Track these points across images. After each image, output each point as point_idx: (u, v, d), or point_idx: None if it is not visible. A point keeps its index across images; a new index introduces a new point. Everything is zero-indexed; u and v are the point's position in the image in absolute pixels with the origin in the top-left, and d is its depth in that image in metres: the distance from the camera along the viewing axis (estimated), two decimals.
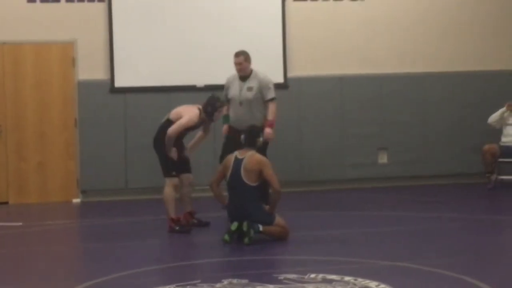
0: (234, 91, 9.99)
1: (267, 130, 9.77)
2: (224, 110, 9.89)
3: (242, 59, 9.97)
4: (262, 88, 9.95)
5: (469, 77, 13.45)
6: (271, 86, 10.04)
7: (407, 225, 9.66)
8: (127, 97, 12.41)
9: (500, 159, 12.58)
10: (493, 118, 12.58)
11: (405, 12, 13.36)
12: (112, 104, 12.43)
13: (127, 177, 12.20)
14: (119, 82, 12.45)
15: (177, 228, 9.37)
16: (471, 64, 13.47)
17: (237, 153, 8.81)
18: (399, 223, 9.78)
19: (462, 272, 7.03)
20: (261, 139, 8.99)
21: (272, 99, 9.99)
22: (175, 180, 9.53)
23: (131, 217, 10.49)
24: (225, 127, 10.12)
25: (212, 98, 9.73)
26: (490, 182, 12.58)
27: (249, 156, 8.70)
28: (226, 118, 10.07)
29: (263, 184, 8.76)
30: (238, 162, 8.71)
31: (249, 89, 9.90)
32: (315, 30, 13.12)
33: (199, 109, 9.67)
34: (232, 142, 9.70)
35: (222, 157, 9.64)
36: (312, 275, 6.97)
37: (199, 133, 10.01)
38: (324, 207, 11.32)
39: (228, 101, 10.04)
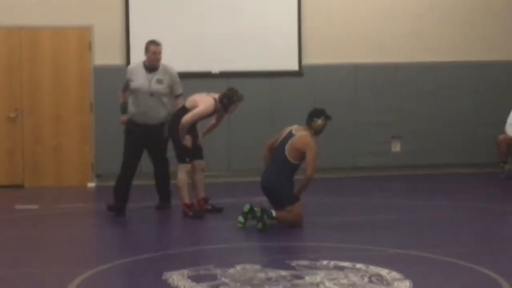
0: (141, 81, 9.62)
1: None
2: (121, 97, 9.91)
3: (161, 49, 9.69)
4: (174, 82, 9.77)
5: (484, 67, 13.45)
6: (179, 81, 9.88)
7: (419, 213, 9.70)
8: None
9: None
10: (509, 125, 12.61)
11: (421, 0, 13.35)
12: None
13: (141, 162, 12.25)
14: None
15: (190, 213, 9.46)
16: (485, 53, 13.46)
17: (294, 128, 8.98)
18: (411, 212, 9.82)
19: (472, 260, 7.08)
20: (320, 120, 9.01)
21: (181, 94, 9.84)
22: (188, 166, 9.61)
23: (145, 201, 10.56)
24: (123, 118, 9.93)
25: (230, 91, 9.73)
26: (504, 172, 12.60)
27: (301, 136, 8.85)
28: (125, 107, 9.88)
29: None
30: (289, 136, 8.90)
31: (159, 81, 9.64)
32: (330, 18, 13.13)
33: (214, 99, 9.70)
34: (136, 139, 9.72)
35: (126, 162, 9.74)
36: (324, 262, 7.03)
37: (212, 121, 10.06)
38: (336, 195, 11.36)
39: (128, 91, 9.78)
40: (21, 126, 12.49)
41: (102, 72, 12.48)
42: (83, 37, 12.55)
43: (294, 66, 12.87)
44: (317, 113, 9.07)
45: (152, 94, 9.56)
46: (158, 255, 7.50)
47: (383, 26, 13.23)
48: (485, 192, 11.56)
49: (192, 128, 9.63)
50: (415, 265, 7.11)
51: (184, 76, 12.38)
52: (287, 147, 8.80)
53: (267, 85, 12.88)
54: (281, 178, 8.79)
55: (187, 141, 9.53)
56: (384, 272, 6.70)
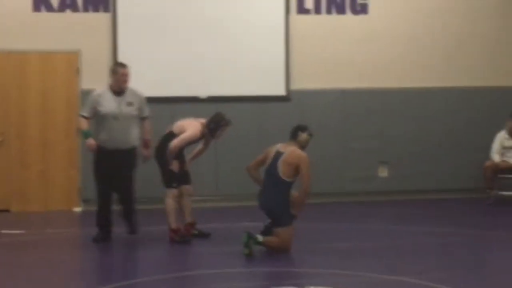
0: (110, 106, 9.39)
1: (145, 152, 9.75)
2: (83, 125, 9.44)
3: (129, 71, 9.58)
4: (142, 104, 9.65)
5: (470, 93, 13.51)
6: (146, 103, 9.78)
7: (406, 239, 9.70)
8: None
9: (501, 175, 12.65)
10: (495, 153, 12.68)
11: (408, 26, 13.42)
12: None
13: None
14: None
15: (177, 238, 9.45)
16: (472, 79, 13.51)
17: (278, 146, 9.00)
18: (398, 237, 9.82)
19: (457, 286, 7.08)
20: (304, 134, 9.09)
21: (148, 117, 9.75)
22: (175, 191, 9.63)
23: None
24: (92, 142, 9.38)
25: (217, 116, 9.78)
26: (490, 198, 12.63)
27: (291, 151, 8.88)
28: (88, 133, 9.44)
29: None
30: (278, 155, 8.90)
31: (129, 104, 9.47)
32: (318, 43, 13.18)
33: (202, 124, 9.74)
34: (108, 166, 9.50)
35: (102, 190, 9.61)
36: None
37: (199, 146, 10.08)
38: (324, 220, 11.35)
39: (95, 118, 9.46)
40: (8, 150, 12.46)
41: None
42: (71, 62, 12.55)
43: (282, 91, 12.90)
44: (301, 127, 9.13)
45: (123, 117, 9.37)
46: (144, 281, 7.47)
47: (370, 52, 13.29)
48: (471, 218, 11.57)
49: (179, 153, 9.65)
50: None
51: (172, 101, 12.45)
52: (279, 166, 8.83)
53: (255, 110, 12.90)
54: (279, 198, 8.82)
55: (174, 165, 9.55)
56: None
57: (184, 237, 9.53)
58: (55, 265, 8.47)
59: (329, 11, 13.21)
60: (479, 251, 9.16)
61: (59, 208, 12.48)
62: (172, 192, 9.61)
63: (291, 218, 8.82)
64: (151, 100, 12.25)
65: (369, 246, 9.14)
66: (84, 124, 9.43)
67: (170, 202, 9.57)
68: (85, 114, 9.44)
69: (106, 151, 9.39)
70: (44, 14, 12.52)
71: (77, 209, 12.51)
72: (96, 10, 12.62)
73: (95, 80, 12.47)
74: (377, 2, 13.32)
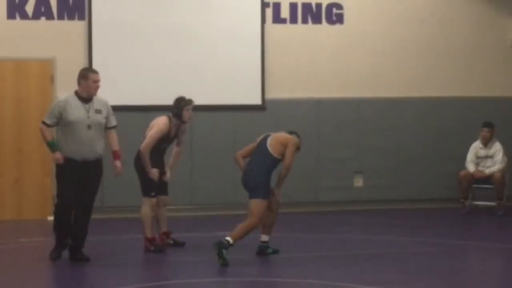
0: (78, 113, 8.71)
1: (118, 164, 9.05)
2: (48, 135, 8.74)
3: (100, 77, 8.98)
4: (109, 113, 9.01)
5: (445, 103, 13.57)
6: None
7: (380, 248, 9.72)
8: None
9: (475, 185, 12.71)
10: (469, 162, 12.75)
11: (383, 37, 13.47)
12: None
13: (103, 195, 12.15)
14: None
15: (152, 248, 9.40)
16: (446, 89, 13.58)
17: (268, 133, 9.24)
18: (372, 247, 9.84)
19: None
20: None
21: (116, 126, 9.14)
22: (153, 200, 9.55)
23: (106, 235, 10.47)
24: (59, 156, 8.70)
25: (176, 100, 9.71)
26: (465, 208, 12.68)
27: (281, 133, 9.26)
28: (54, 144, 8.77)
29: None
30: (267, 136, 9.17)
31: (98, 111, 8.82)
32: (294, 52, 13.20)
33: (168, 116, 9.66)
34: (74, 178, 8.73)
35: (65, 202, 8.76)
36: None
37: (174, 149, 9.99)
38: (298, 230, 11.34)
39: (59, 127, 8.81)
40: None
41: None
42: (45, 70, 12.49)
43: (257, 100, 12.90)
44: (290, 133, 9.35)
45: (90, 125, 8.69)
46: None
47: (346, 62, 13.32)
48: (445, 228, 11.61)
49: (158, 159, 9.57)
50: None
51: (147, 109, 12.39)
52: (269, 142, 9.06)
53: (230, 119, 12.89)
54: (262, 170, 8.95)
55: (154, 174, 9.45)
56: None
57: (159, 246, 9.47)
58: (27, 275, 8.40)
59: (305, 21, 13.23)
60: (453, 260, 9.18)
61: (33, 217, 12.39)
62: (151, 201, 9.52)
63: (267, 193, 8.93)
64: (126, 109, 12.28)
65: (343, 256, 9.13)
66: (49, 134, 8.78)
67: (146, 211, 9.48)
68: (49, 122, 8.76)
69: (74, 162, 8.69)
70: (18, 22, 12.44)
71: (51, 218, 12.39)
72: (71, 18, 12.56)
73: (70, 88, 12.18)
74: (353, 13, 13.36)
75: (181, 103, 9.64)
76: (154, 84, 12.57)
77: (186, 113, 9.63)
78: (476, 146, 12.82)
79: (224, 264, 8.42)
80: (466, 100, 13.59)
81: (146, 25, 12.69)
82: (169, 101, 12.61)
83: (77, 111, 8.69)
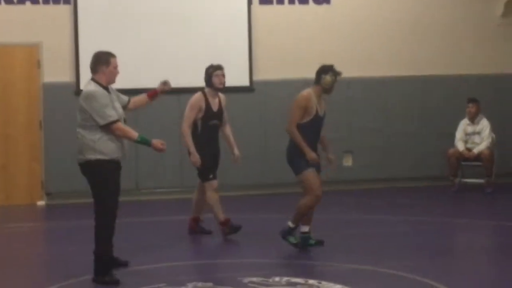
0: (118, 107, 7.45)
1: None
2: (131, 132, 7.28)
3: None
4: (118, 95, 7.77)
5: (433, 81, 13.58)
6: None
7: (371, 227, 9.74)
8: None
9: (464, 163, 12.73)
10: (459, 140, 12.76)
11: (370, 16, 13.45)
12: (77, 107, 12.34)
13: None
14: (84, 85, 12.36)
15: (227, 230, 9.10)
16: (435, 68, 13.59)
17: None
18: (363, 226, 9.86)
19: (424, 275, 7.11)
20: (328, 76, 8.74)
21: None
22: (214, 183, 9.17)
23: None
24: (160, 146, 7.38)
25: (205, 71, 9.30)
26: (454, 185, 12.71)
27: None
28: (144, 137, 7.36)
29: None
30: None
31: (118, 100, 7.63)
32: (281, 33, 13.17)
33: (201, 91, 9.27)
34: (115, 180, 7.37)
35: (109, 211, 7.27)
36: (277, 278, 7.01)
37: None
38: (288, 210, 11.33)
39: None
40: None
41: (51, 90, 12.37)
42: (32, 55, 12.43)
43: (245, 82, 12.88)
44: (324, 69, 8.79)
45: (125, 119, 7.49)
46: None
47: (334, 42, 13.30)
48: (435, 206, 11.64)
49: (210, 141, 9.20)
50: (367, 280, 7.12)
51: (136, 92, 12.28)
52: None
53: None
54: (288, 147, 8.52)
55: (195, 158, 9.06)
56: (337, 287, 6.69)
57: (235, 227, 9.08)
58: (17, 260, 8.38)
59: (291, 1, 13.21)
60: (445, 238, 9.21)
61: (22, 202, 12.37)
62: (211, 184, 9.15)
63: (299, 164, 8.35)
64: None
65: (333, 236, 9.14)
66: (129, 129, 7.31)
67: (210, 196, 9.12)
68: (115, 116, 7.26)
69: (114, 163, 7.31)
70: (3, 7, 12.37)
71: (41, 203, 12.40)
72: (56, 2, 12.50)
73: (57, 73, 12.41)
74: None
75: (209, 69, 9.23)
76: (140, 67, 12.50)
77: (216, 79, 9.18)
78: (463, 123, 12.84)
79: (297, 246, 8.35)
80: (453, 78, 13.60)
81: (132, 8, 12.64)
82: (155, 84, 12.64)
83: (114, 104, 7.41)
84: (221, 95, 9.42)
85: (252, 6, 13.00)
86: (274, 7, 13.17)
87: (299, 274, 7.19)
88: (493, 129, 12.79)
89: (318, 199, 8.35)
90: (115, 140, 7.26)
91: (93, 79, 7.44)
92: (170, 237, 9.32)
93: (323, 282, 6.85)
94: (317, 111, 8.50)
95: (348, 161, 13.36)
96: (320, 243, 8.45)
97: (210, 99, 9.22)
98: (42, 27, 12.42)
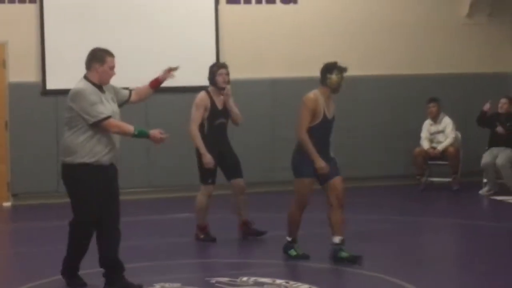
0: (108, 105, 6.90)
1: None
2: (126, 126, 6.86)
3: None
4: (117, 90, 7.32)
5: (400, 80, 13.64)
6: None
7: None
8: (59, 100, 12.21)
9: (430, 162, 12.81)
10: (424, 140, 12.84)
11: (337, 16, 13.49)
12: (43, 107, 12.30)
13: (58, 180, 12.04)
14: (50, 85, 12.32)
15: (202, 236, 8.90)
16: (402, 67, 13.64)
17: None
18: (325, 225, 9.87)
19: (391, 273, 7.16)
20: (333, 76, 8.30)
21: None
22: (209, 188, 8.88)
23: (62, 220, 10.38)
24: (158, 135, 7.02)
25: (209, 68, 9.10)
26: (421, 184, 12.78)
27: None
28: (142, 131, 6.97)
29: None
30: None
31: (113, 101, 7.07)
32: (249, 33, 13.17)
33: (205, 90, 9.06)
34: (100, 186, 6.81)
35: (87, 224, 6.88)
36: (244, 278, 7.02)
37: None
38: (255, 209, 11.33)
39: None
40: None
41: (17, 90, 12.28)
42: None
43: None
44: (328, 68, 8.40)
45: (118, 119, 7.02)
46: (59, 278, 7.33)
47: (301, 41, 13.32)
48: (402, 205, 11.71)
49: (217, 140, 8.94)
50: (334, 279, 7.15)
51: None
52: None
53: (185, 100, 12.76)
54: (297, 147, 8.04)
55: (208, 160, 8.74)
56: (304, 287, 6.72)
57: (208, 235, 8.87)
58: None
59: (258, 1, 13.22)
60: (411, 237, 9.26)
61: None
62: (207, 189, 8.86)
63: (301, 170, 7.94)
64: None
65: (302, 235, 9.12)
66: (123, 123, 6.88)
67: (200, 199, 8.85)
68: (107, 112, 6.78)
69: (99, 169, 6.79)
70: None
71: (7, 204, 12.30)
72: (22, 1, 12.39)
73: (22, 73, 12.32)
74: None
75: (214, 68, 9.01)
76: None
77: (220, 78, 8.92)
78: (427, 123, 12.93)
79: (301, 257, 7.93)
80: (419, 78, 13.67)
81: (99, 7, 12.56)
82: (123, 83, 12.57)
83: (104, 103, 6.88)
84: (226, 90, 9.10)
85: (220, 6, 12.99)
86: (241, 7, 13.16)
87: (266, 274, 7.20)
88: (458, 128, 12.90)
89: (302, 209, 8.06)
90: (104, 142, 6.75)
91: (85, 77, 6.97)
92: (138, 237, 9.29)
93: (291, 282, 6.87)
94: (325, 114, 8.04)
95: None
96: (355, 259, 7.63)
97: (215, 98, 9.02)
98: (8, 26, 12.32)
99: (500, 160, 12.15)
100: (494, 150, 12.36)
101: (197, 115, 8.91)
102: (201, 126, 8.95)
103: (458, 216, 10.84)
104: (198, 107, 8.91)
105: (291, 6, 13.33)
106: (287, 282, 6.86)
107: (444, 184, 12.78)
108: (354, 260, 7.60)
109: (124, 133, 6.84)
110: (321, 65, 13.06)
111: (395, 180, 13.45)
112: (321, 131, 7.94)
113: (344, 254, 7.70)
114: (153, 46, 12.63)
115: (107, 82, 6.99)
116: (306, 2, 13.38)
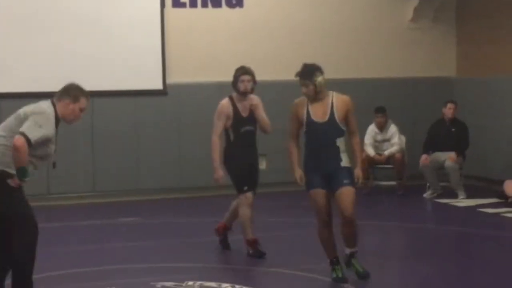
0: (52, 147, 6.49)
1: None
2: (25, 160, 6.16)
3: None
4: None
5: (343, 85, 13.61)
6: None
7: (283, 230, 9.79)
8: (1, 104, 12.08)
9: (376, 165, 12.90)
10: (368, 146, 12.90)
11: (282, 20, 13.50)
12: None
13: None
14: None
15: (251, 251, 8.27)
16: (345, 71, 13.66)
17: None
18: (275, 229, 9.89)
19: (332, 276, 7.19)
20: (319, 78, 8.02)
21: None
22: (248, 195, 8.33)
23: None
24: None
25: (234, 71, 8.72)
26: (366, 188, 12.86)
27: None
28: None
29: None
30: None
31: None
32: (195, 37, 13.14)
33: (229, 96, 8.66)
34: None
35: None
36: (190, 283, 7.00)
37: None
38: (203, 214, 11.32)
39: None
40: None
41: None
42: None
43: (158, 85, 12.79)
44: (311, 72, 8.17)
45: (54, 164, 6.71)
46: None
47: (248, 45, 13.31)
48: None
49: (244, 149, 8.57)
50: (278, 282, 7.17)
51: (46, 96, 12.10)
52: None
53: (131, 104, 12.75)
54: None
55: (217, 174, 8.42)
56: None
57: (257, 250, 8.23)
58: None
59: (204, 5, 13.18)
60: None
61: None
62: (246, 197, 8.31)
63: (307, 181, 7.67)
64: (24, 96, 11.98)
65: (236, 239, 9.11)
66: (26, 157, 6.21)
67: (242, 211, 8.26)
68: (35, 139, 6.27)
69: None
70: None
71: None
72: None
73: None
74: None
75: (236, 73, 8.59)
76: (52, 70, 12.19)
77: (241, 85, 8.52)
78: (372, 130, 12.98)
79: (336, 280, 7.33)
80: (363, 82, 13.74)
81: (41, 10, 12.38)
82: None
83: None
84: (253, 96, 8.75)
85: (165, 9, 12.93)
86: (187, 10, 13.12)
87: (212, 278, 7.19)
88: (403, 132, 12.99)
89: (324, 224, 7.47)
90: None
91: (53, 103, 6.63)
92: (82, 243, 9.21)
93: (236, 286, 6.87)
94: (309, 117, 7.64)
95: (262, 164, 13.38)
96: (364, 276, 7.39)
97: (239, 105, 8.57)
98: None
99: (449, 163, 12.25)
100: (439, 154, 12.47)
101: (218, 124, 8.46)
102: (226, 135, 8.56)
103: (401, 219, 10.95)
104: (219, 115, 8.46)
105: (237, 10, 13.33)
106: (232, 286, 6.86)
107: (390, 187, 12.87)
108: (364, 276, 7.35)
109: (17, 159, 6.11)
110: (268, 69, 13.22)
111: None
112: (312, 136, 7.54)
113: (354, 265, 7.44)
114: (98, 50, 12.48)
115: (69, 122, 6.60)
116: (252, 6, 13.39)
